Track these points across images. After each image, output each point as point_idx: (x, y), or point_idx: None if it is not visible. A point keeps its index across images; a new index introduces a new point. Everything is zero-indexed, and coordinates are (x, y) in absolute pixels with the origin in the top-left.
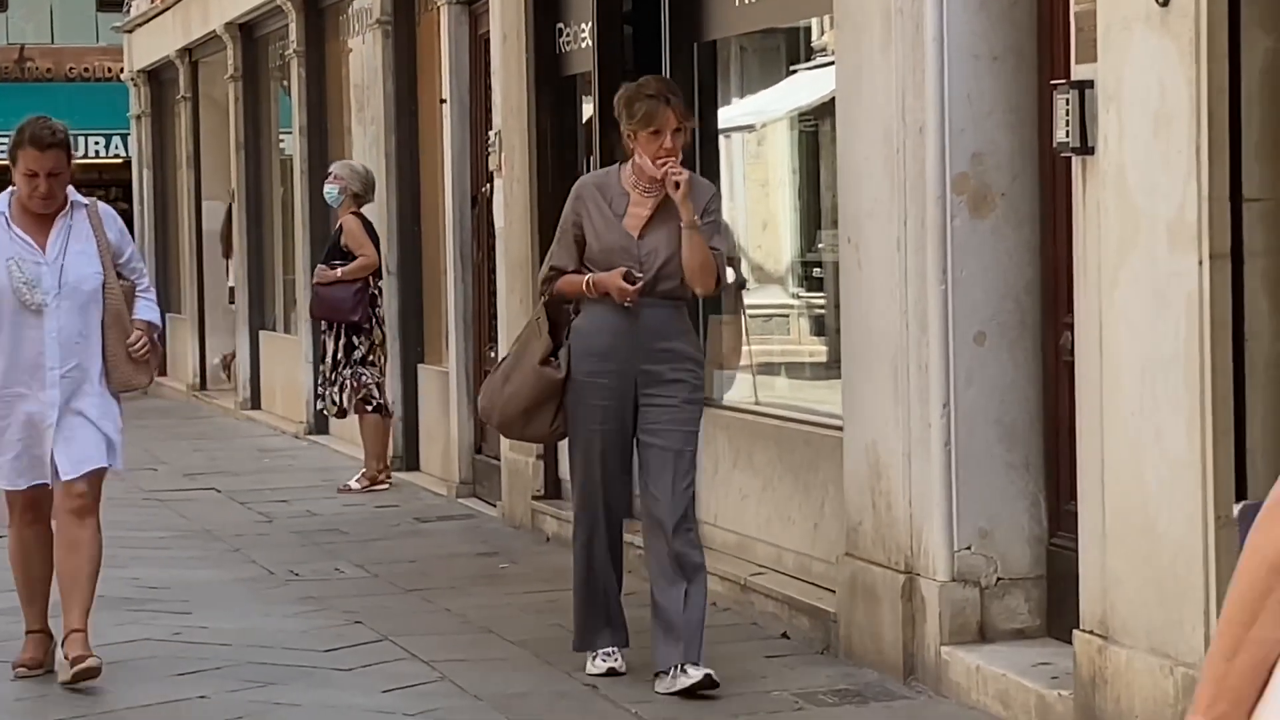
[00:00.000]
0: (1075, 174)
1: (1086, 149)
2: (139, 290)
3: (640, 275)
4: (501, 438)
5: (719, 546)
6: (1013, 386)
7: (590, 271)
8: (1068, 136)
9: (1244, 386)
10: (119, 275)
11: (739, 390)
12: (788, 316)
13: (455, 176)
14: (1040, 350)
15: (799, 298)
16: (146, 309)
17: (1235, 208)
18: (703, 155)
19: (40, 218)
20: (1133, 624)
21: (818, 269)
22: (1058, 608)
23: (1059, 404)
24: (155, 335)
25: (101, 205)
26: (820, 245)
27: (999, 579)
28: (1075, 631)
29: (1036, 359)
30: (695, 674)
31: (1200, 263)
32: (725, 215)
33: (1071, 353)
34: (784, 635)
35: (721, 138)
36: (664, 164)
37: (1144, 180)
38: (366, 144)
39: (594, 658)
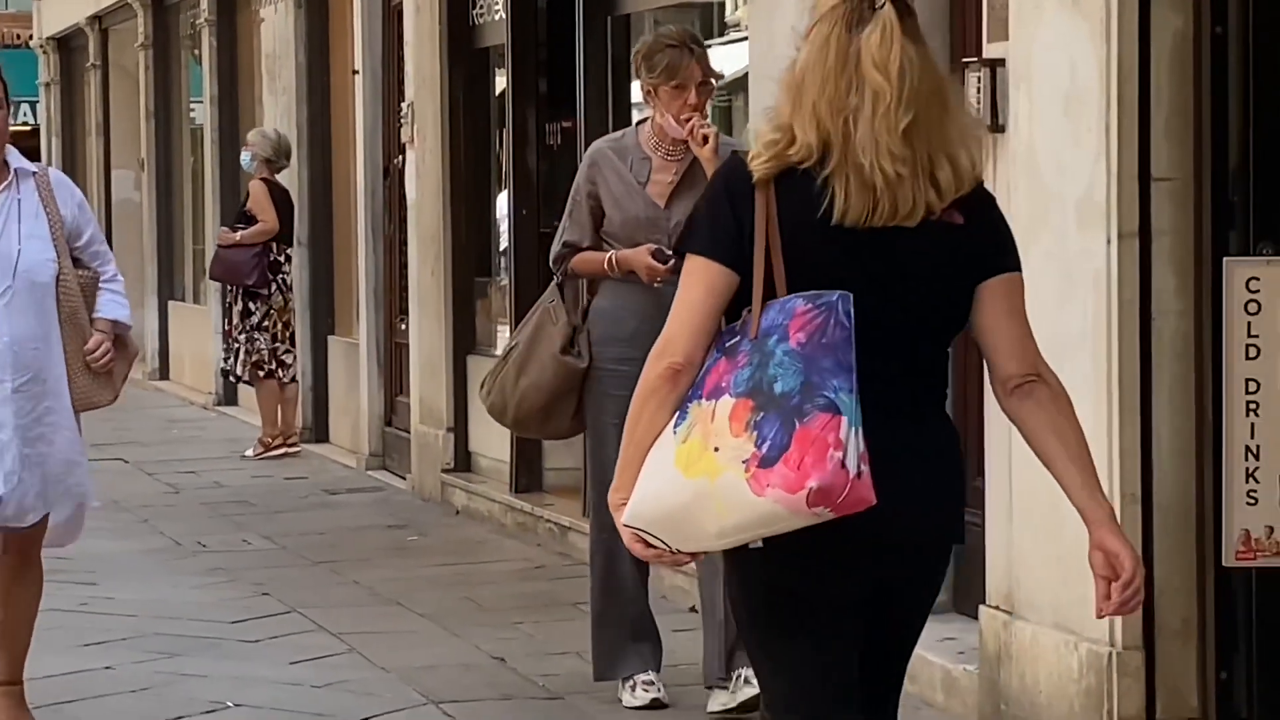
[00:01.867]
0: (985, 152)
1: (997, 128)
2: (103, 281)
3: (670, 253)
4: (412, 410)
5: None
6: None
7: (608, 246)
8: (979, 114)
9: (1150, 365)
10: (77, 262)
11: None
12: None
13: (367, 148)
14: None
15: None
16: (113, 304)
17: (1144, 187)
18: (616, 130)
19: None
20: (1038, 600)
21: None
22: (964, 584)
23: (968, 381)
24: (126, 335)
25: (54, 173)
26: None
27: None
28: (981, 607)
29: None
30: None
31: (1109, 242)
32: None
33: None
34: (692, 609)
35: (634, 111)
36: (688, 119)
37: (1054, 159)
38: (278, 114)
39: (630, 686)
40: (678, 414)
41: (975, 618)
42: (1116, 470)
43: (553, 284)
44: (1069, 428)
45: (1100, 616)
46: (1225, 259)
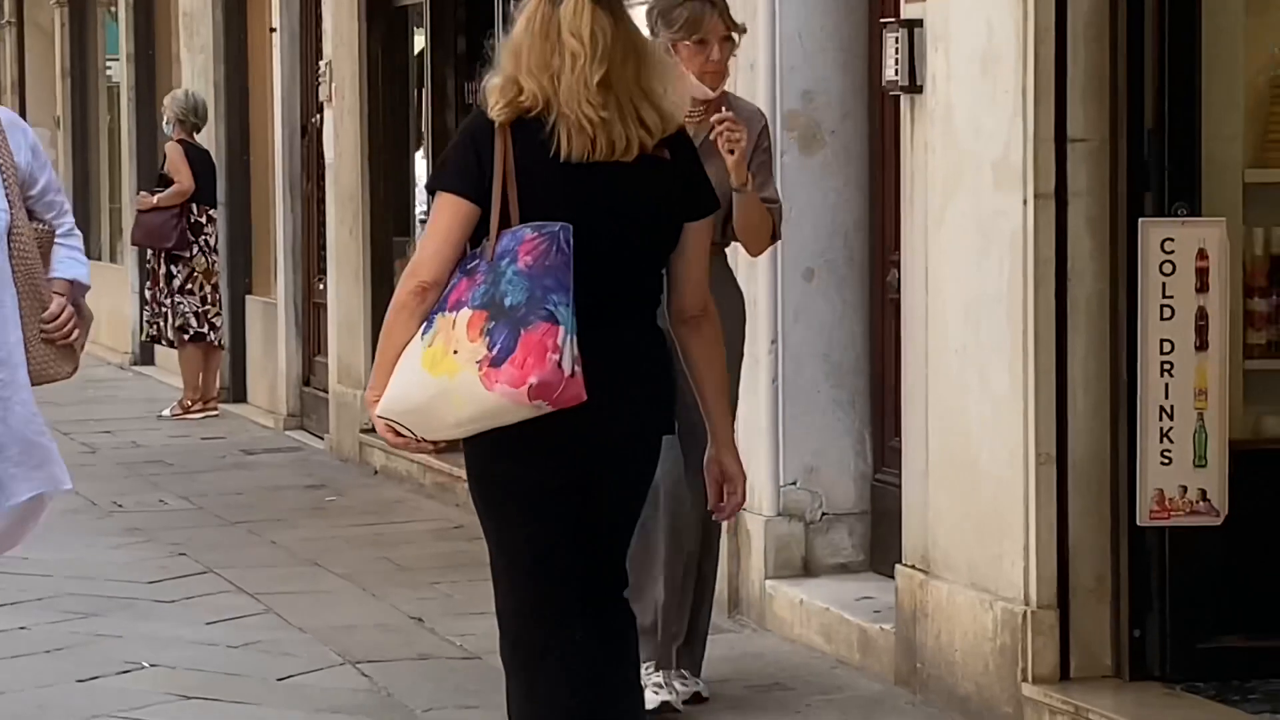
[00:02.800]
0: (904, 113)
1: (915, 88)
2: (59, 235)
3: None
4: (331, 370)
5: None
6: (840, 324)
7: None
8: (897, 75)
9: (1065, 326)
10: (30, 215)
11: None
12: None
13: (285, 107)
14: (868, 288)
15: None
16: (70, 263)
17: (1060, 148)
18: None
19: None
20: (954, 559)
21: None
22: (881, 543)
23: (885, 341)
24: (83, 299)
25: (4, 112)
26: None
27: (824, 514)
28: (897, 566)
29: (864, 296)
30: (684, 689)
31: (1024, 202)
32: None
33: (898, 290)
34: None
35: None
36: (721, 119)
37: (971, 120)
38: (195, 72)
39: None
40: (425, 324)
41: (891, 577)
42: (1032, 430)
43: None
44: (720, 361)
45: (716, 518)
46: (1140, 220)
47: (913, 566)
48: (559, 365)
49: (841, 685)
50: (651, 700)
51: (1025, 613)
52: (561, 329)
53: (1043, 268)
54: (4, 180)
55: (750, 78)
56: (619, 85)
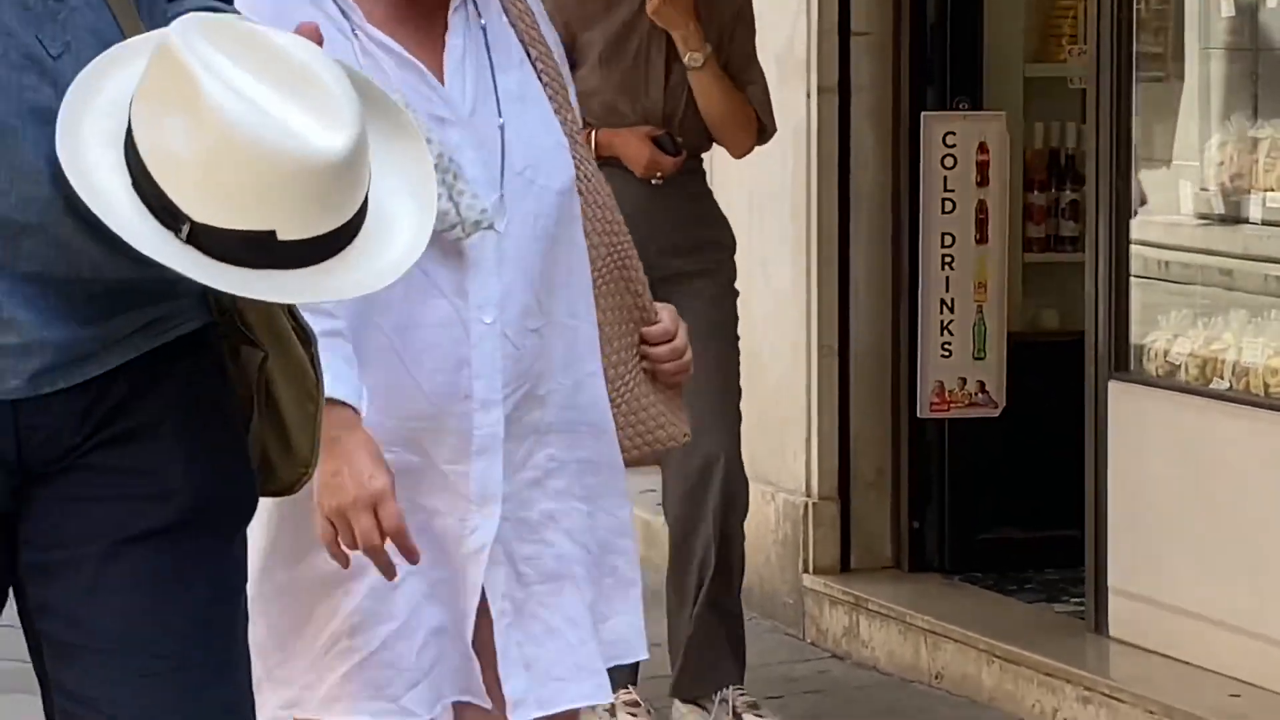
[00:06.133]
0: None
1: None
2: None
3: (679, 140)
4: None
5: None
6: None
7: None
8: None
9: (848, 219)
10: None
11: None
12: None
13: None
14: None
15: None
16: None
17: (843, 41)
18: None
19: (418, 6)
20: None
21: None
22: None
23: None
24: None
25: None
26: None
27: None
28: None
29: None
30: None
31: (808, 96)
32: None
33: None
34: None
35: None
36: None
37: (755, 12)
38: None
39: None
40: None
41: None
42: (814, 322)
43: None
44: None
45: None
46: (922, 113)
47: None
48: None
49: None
50: None
51: (807, 504)
52: None
53: (826, 161)
54: (555, 101)
55: None
56: None
